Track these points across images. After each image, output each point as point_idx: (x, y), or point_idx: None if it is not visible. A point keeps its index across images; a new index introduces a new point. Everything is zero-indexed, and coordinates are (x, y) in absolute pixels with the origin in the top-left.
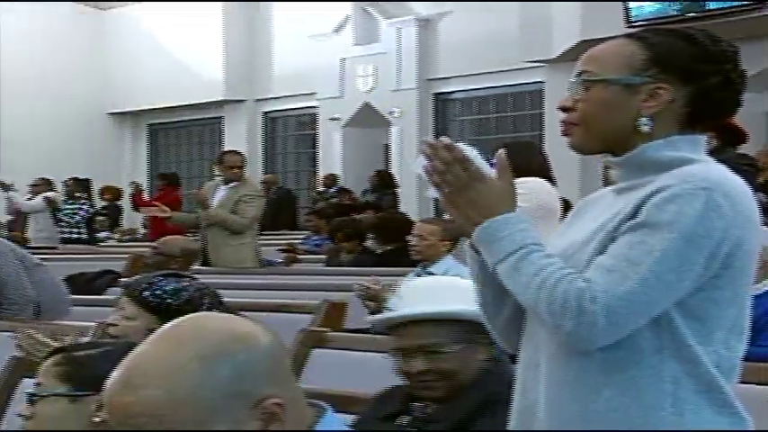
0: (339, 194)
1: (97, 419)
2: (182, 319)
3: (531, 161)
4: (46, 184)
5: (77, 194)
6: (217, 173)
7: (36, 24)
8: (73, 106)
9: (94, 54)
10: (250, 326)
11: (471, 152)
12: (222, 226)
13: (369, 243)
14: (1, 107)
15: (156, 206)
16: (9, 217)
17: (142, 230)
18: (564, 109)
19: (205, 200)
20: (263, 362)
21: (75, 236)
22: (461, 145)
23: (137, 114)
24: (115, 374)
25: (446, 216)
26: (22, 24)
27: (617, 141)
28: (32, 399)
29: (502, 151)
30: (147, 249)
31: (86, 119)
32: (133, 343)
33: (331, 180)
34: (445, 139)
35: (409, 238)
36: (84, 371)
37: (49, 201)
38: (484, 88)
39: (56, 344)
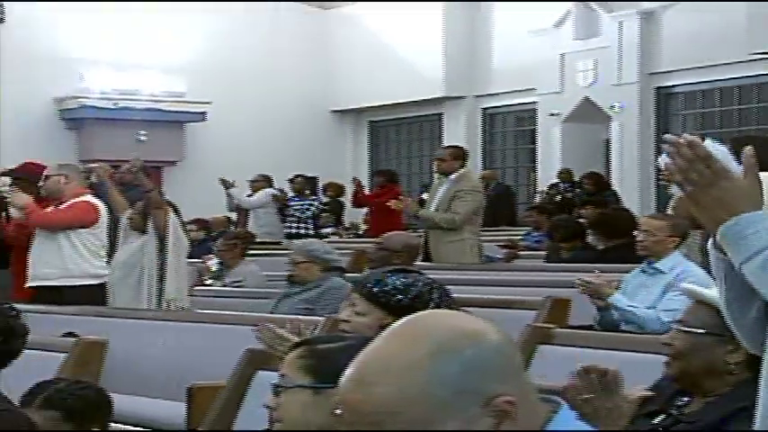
0: (572, 189)
1: (339, 412)
2: (412, 316)
3: None
4: (265, 181)
5: (305, 191)
6: (435, 169)
7: (263, 24)
8: (297, 103)
9: (318, 52)
10: (480, 323)
11: (715, 149)
12: (433, 226)
13: (590, 239)
14: (232, 106)
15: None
16: (231, 213)
17: (363, 226)
18: None
19: (415, 211)
20: (493, 359)
21: (303, 231)
22: (706, 142)
23: (358, 112)
24: (348, 371)
25: (670, 211)
26: (250, 23)
27: None
28: (277, 390)
29: (749, 148)
30: (369, 245)
31: (310, 116)
32: (371, 338)
33: (566, 174)
34: (687, 137)
35: (636, 233)
36: (327, 364)
37: (276, 197)
38: (708, 81)
39: (294, 337)
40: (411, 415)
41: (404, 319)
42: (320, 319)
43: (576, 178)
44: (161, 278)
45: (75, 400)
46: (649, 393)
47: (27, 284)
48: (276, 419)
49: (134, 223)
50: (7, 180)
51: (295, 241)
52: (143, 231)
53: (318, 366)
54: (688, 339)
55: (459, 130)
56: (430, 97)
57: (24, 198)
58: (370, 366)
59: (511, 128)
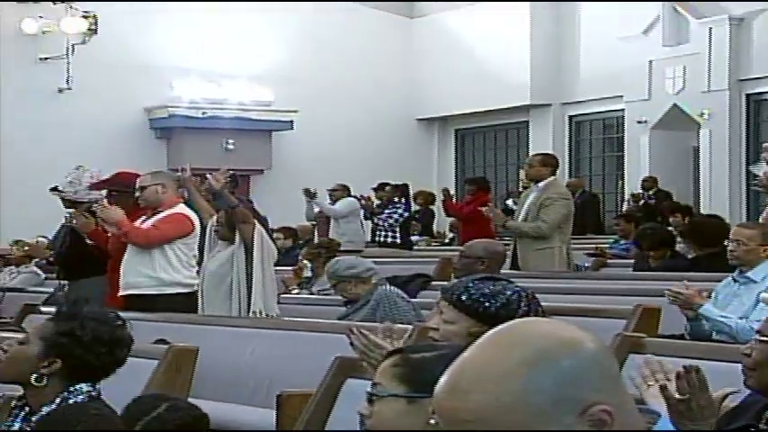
0: (656, 197)
1: (433, 422)
2: (508, 324)
3: None
4: (344, 190)
5: (393, 199)
6: (522, 176)
7: (350, 33)
8: (384, 112)
9: (404, 61)
10: (577, 331)
11: None
12: (521, 235)
13: (678, 247)
14: (319, 114)
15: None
16: (310, 222)
17: (450, 234)
18: None
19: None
20: (589, 368)
21: (390, 239)
22: None
23: (444, 120)
24: (444, 379)
25: (762, 220)
26: (337, 32)
27: None
28: (371, 398)
29: None
30: (455, 253)
31: (396, 125)
32: (465, 347)
33: (651, 183)
34: None
35: (727, 242)
36: (421, 373)
37: (364, 205)
38: None
39: (388, 345)
40: (507, 423)
41: (500, 327)
42: (409, 327)
43: (664, 186)
44: (249, 288)
45: (183, 427)
46: (732, 390)
47: (120, 293)
48: (369, 427)
49: (221, 234)
50: (99, 193)
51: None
52: (230, 241)
53: (413, 375)
54: (765, 350)
55: (545, 138)
56: (516, 105)
57: (115, 215)
58: (467, 374)
59: (598, 135)
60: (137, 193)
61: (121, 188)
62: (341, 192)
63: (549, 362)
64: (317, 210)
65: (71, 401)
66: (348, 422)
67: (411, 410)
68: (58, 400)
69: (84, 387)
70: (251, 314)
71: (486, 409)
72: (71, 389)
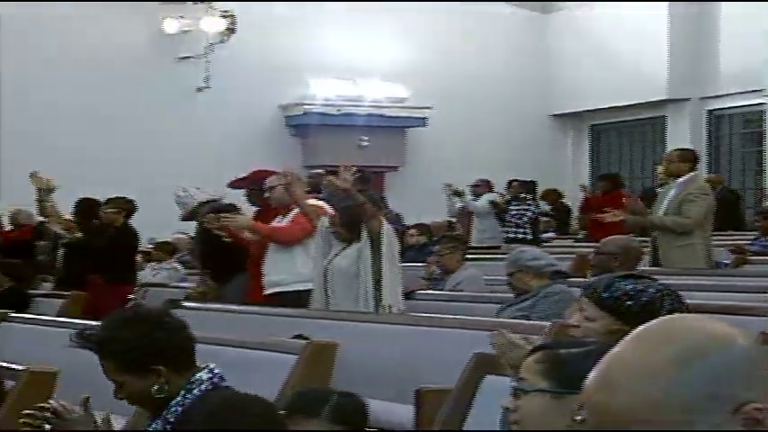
0: None
1: (578, 418)
2: (658, 320)
3: None
4: (486, 186)
5: (523, 196)
6: (659, 172)
7: (483, 29)
8: (517, 108)
9: (538, 56)
10: (726, 327)
11: None
12: (664, 230)
13: None
14: (452, 110)
15: (609, 212)
16: (452, 219)
17: (582, 231)
18: None
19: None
20: (741, 365)
21: (521, 236)
22: None
23: (578, 115)
24: (593, 375)
25: None
26: (470, 28)
27: None
28: (516, 393)
29: None
30: (591, 250)
31: (530, 120)
32: (615, 344)
33: None
34: None
35: None
36: (567, 369)
37: (493, 203)
38: None
39: (524, 343)
40: (657, 420)
41: (651, 323)
42: (547, 324)
43: None
44: (377, 284)
45: (355, 414)
46: None
47: (264, 293)
48: (513, 421)
49: (341, 236)
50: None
51: (511, 250)
52: (350, 240)
53: (558, 371)
54: None
55: (683, 133)
56: (653, 100)
57: (245, 221)
58: (618, 370)
59: (738, 130)
60: (266, 194)
61: (258, 186)
62: (483, 187)
63: (701, 358)
64: (459, 206)
65: (195, 391)
66: (486, 419)
67: (556, 406)
68: (183, 392)
69: (204, 375)
70: (380, 309)
71: (636, 406)
72: (191, 380)
